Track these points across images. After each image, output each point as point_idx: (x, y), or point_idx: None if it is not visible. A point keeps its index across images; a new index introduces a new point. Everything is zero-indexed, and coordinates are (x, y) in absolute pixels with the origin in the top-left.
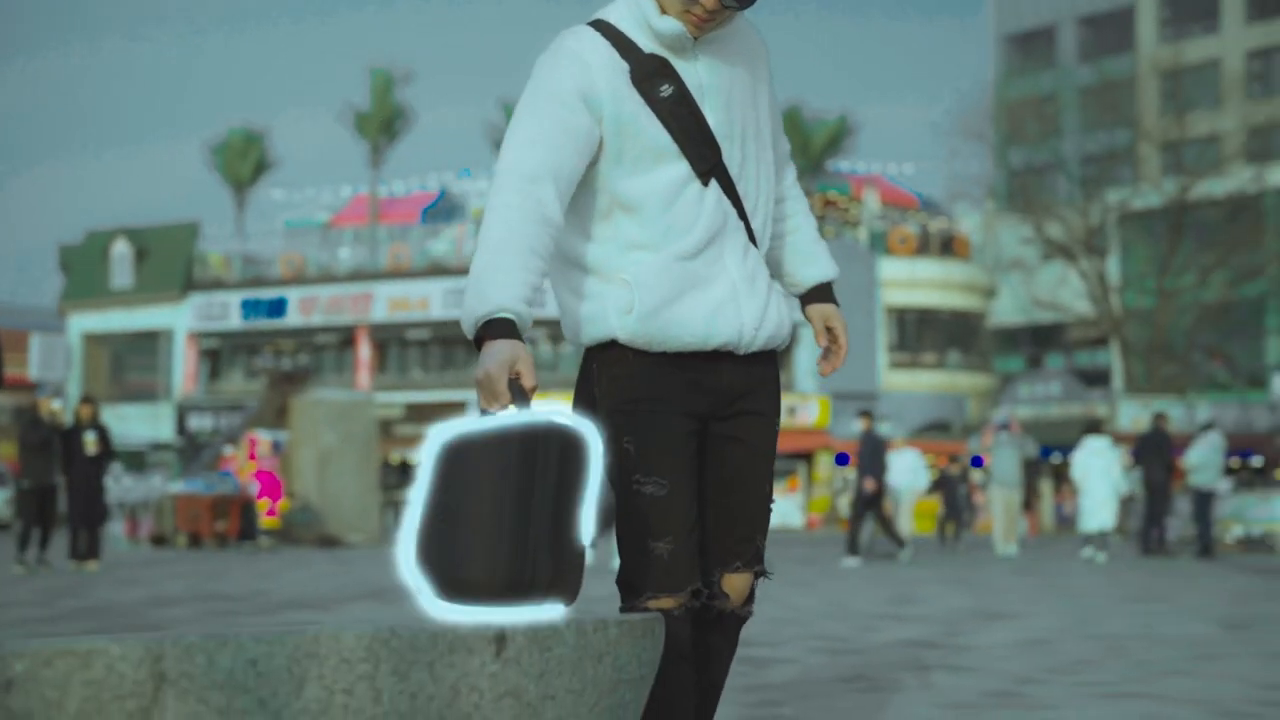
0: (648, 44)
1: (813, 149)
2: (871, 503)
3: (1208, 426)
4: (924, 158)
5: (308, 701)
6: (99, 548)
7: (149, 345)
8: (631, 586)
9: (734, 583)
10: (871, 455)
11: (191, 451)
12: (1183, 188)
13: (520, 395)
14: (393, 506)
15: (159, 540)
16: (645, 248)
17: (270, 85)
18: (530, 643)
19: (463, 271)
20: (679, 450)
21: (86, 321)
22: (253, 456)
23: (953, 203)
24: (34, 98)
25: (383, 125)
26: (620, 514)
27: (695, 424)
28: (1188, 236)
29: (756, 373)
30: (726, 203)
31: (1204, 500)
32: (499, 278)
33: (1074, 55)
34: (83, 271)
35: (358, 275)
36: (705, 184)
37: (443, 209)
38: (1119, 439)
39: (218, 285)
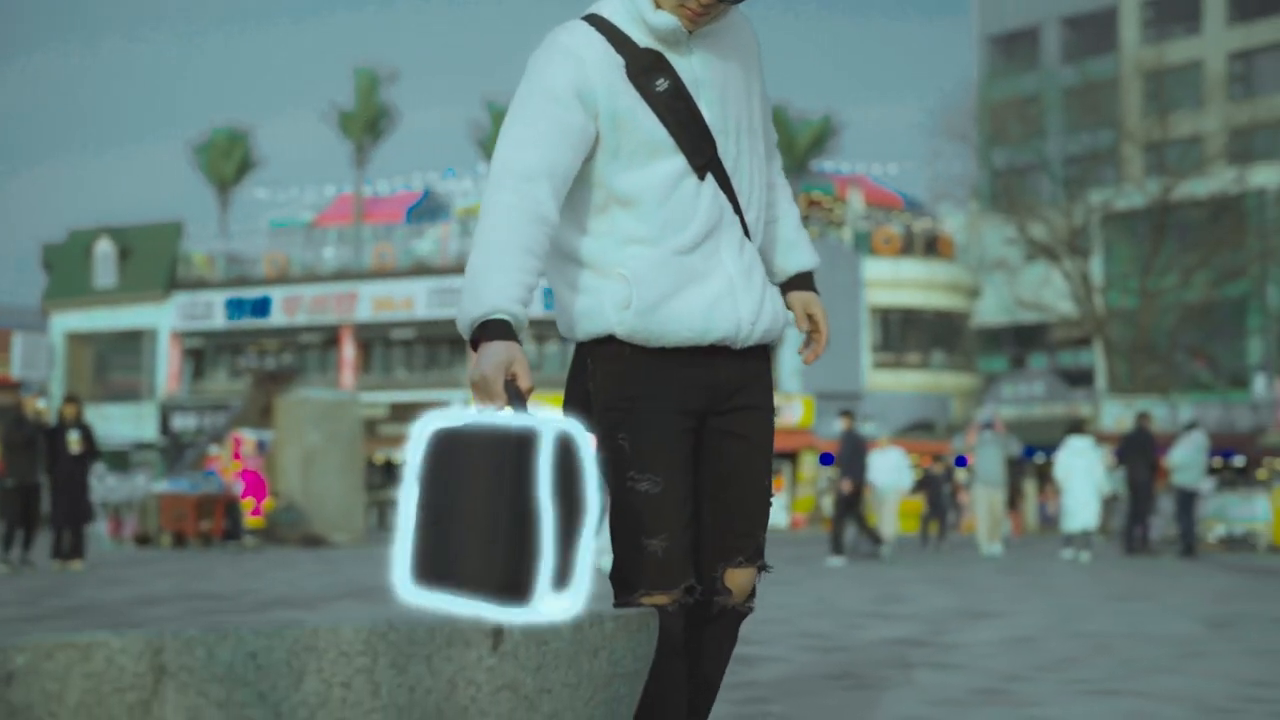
0: (642, 38)
1: (797, 149)
2: (849, 503)
3: (1191, 426)
4: (908, 158)
5: (306, 694)
6: (83, 547)
7: (132, 345)
8: (625, 583)
9: (737, 578)
10: (851, 455)
11: (175, 451)
12: (1165, 188)
13: (516, 397)
14: (377, 506)
15: (143, 540)
16: (642, 242)
17: (254, 85)
18: (527, 637)
19: (447, 271)
20: (674, 447)
21: (69, 321)
22: (237, 456)
23: (937, 203)
24: (17, 99)
25: (367, 125)
26: (614, 510)
27: (692, 421)
28: (1170, 237)
29: (752, 367)
30: (722, 197)
31: (1187, 499)
32: (494, 279)
33: (1057, 56)
34: (66, 270)
35: (342, 275)
36: (701, 178)
37: (427, 209)
38: (1102, 439)
39: (201, 285)
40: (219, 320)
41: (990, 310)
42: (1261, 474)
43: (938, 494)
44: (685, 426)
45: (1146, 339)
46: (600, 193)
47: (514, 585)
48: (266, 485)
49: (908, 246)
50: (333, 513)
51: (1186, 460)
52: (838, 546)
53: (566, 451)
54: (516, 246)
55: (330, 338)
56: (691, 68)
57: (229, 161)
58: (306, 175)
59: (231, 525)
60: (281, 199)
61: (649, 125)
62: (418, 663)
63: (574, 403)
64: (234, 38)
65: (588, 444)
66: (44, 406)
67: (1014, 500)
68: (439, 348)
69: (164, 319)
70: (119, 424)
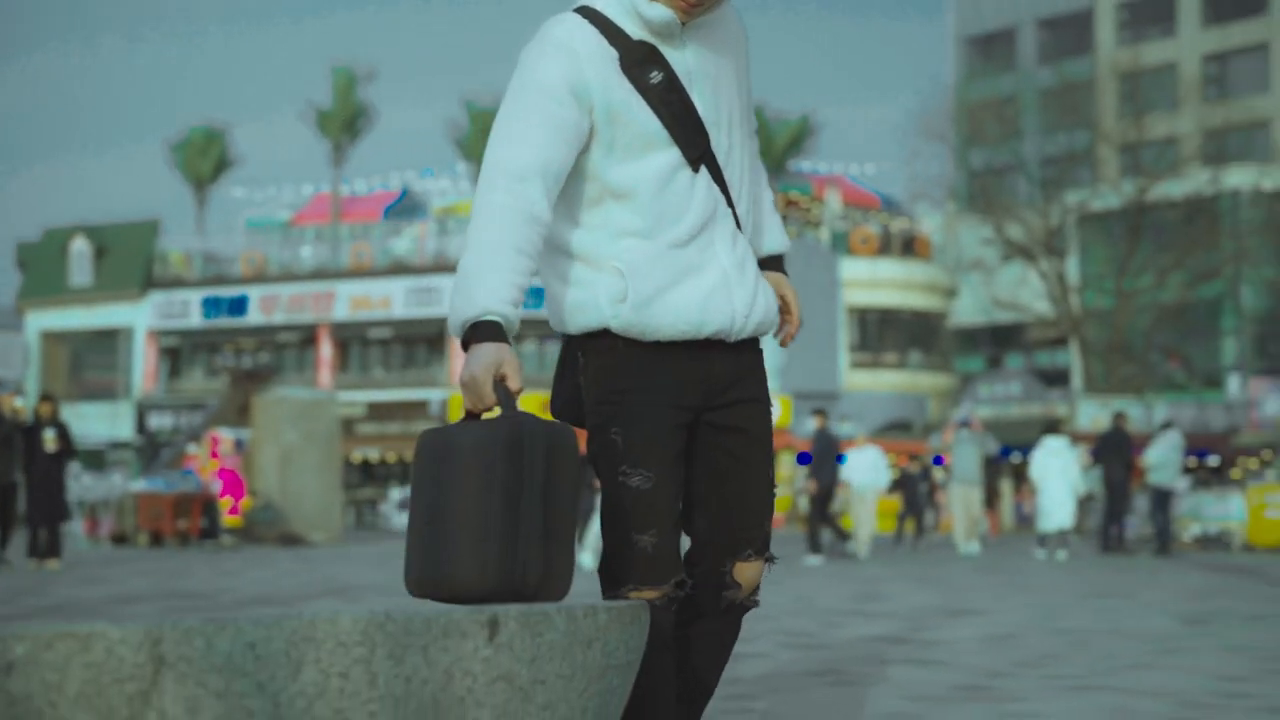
0: (635, 30)
1: (775, 149)
2: (821, 502)
3: (1167, 425)
4: (885, 158)
5: (304, 684)
6: (59, 546)
7: (108, 343)
8: (614, 577)
9: (745, 572)
10: (821, 455)
11: (151, 450)
12: (1141, 189)
13: (506, 398)
14: (354, 506)
15: (120, 539)
16: (637, 235)
17: (232, 84)
18: (522, 628)
19: (425, 271)
20: (667, 443)
21: (45, 319)
22: (215, 455)
23: (914, 203)
24: None
25: (345, 124)
26: (605, 505)
27: (687, 416)
28: (1145, 238)
29: (745, 360)
30: (716, 189)
31: (1162, 498)
32: (486, 280)
33: (1034, 57)
34: (41, 269)
35: (319, 274)
36: (695, 171)
37: (405, 208)
38: (1078, 438)
39: (178, 283)
40: (195, 319)
41: (967, 310)
42: (1236, 473)
43: (914, 493)
44: (679, 422)
45: (1122, 339)
46: (594, 186)
47: (506, 584)
48: (244, 484)
49: (885, 246)
50: (310, 512)
51: (1162, 459)
52: (815, 545)
53: (554, 451)
54: (508, 247)
55: (307, 337)
56: (685, 60)
57: (206, 160)
58: (284, 174)
59: (209, 524)
60: (259, 198)
61: (644, 118)
62: (414, 653)
63: (563, 396)
64: (212, 38)
65: (575, 444)
66: (21, 405)
67: (991, 499)
68: (416, 347)
69: (140, 318)
70: (94, 423)
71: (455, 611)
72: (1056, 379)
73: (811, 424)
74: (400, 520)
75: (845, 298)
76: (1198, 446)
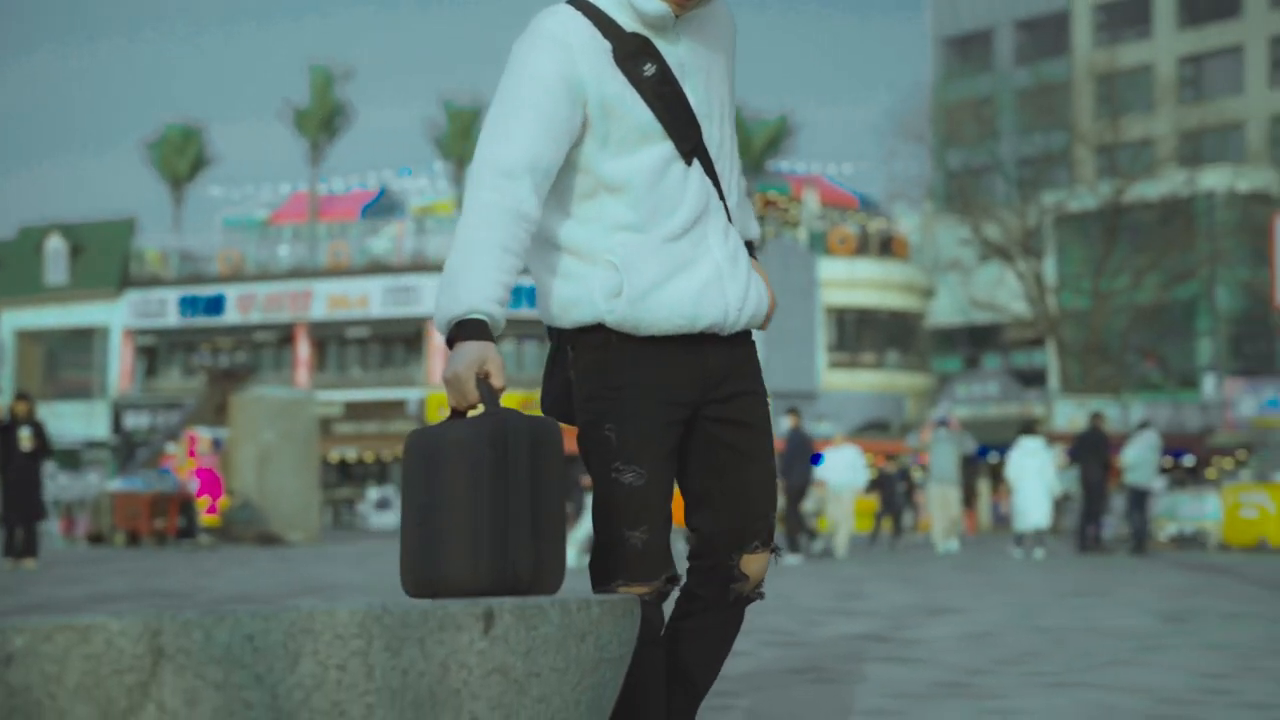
0: (629, 23)
1: (753, 149)
2: (793, 501)
3: (1144, 425)
4: (863, 158)
5: (302, 676)
6: (36, 545)
7: (84, 342)
8: (604, 572)
9: (752, 564)
10: (794, 454)
11: (127, 450)
12: (1117, 190)
13: (489, 395)
14: (332, 505)
15: (96, 538)
16: (631, 228)
17: (209, 82)
18: (517, 621)
19: (403, 270)
20: (661, 439)
21: (20, 318)
22: (192, 454)
23: (891, 203)
24: None
25: (322, 122)
26: (596, 501)
27: (682, 412)
28: (1122, 239)
29: (739, 352)
30: (708, 182)
31: (1139, 498)
32: (472, 278)
33: (1011, 58)
34: (16, 267)
35: (297, 273)
36: (688, 164)
37: (383, 207)
38: (1055, 438)
39: (155, 282)
40: (172, 318)
41: (944, 310)
42: (1211, 473)
43: (891, 493)
44: (673, 418)
45: (1098, 340)
46: (588, 179)
47: (499, 581)
48: (222, 483)
49: (863, 247)
50: (288, 511)
51: (1139, 459)
52: (793, 545)
53: (539, 446)
54: (495, 245)
55: (285, 336)
56: (678, 53)
57: (182, 158)
58: (261, 173)
59: (186, 524)
60: (236, 196)
61: (638, 111)
62: (411, 646)
63: (554, 393)
64: (189, 36)
65: (560, 438)
66: None
67: (968, 499)
68: (394, 346)
69: (116, 316)
70: (70, 422)
71: (451, 604)
72: (1033, 379)
73: (786, 423)
74: (378, 520)
75: (823, 298)
76: (1173, 446)
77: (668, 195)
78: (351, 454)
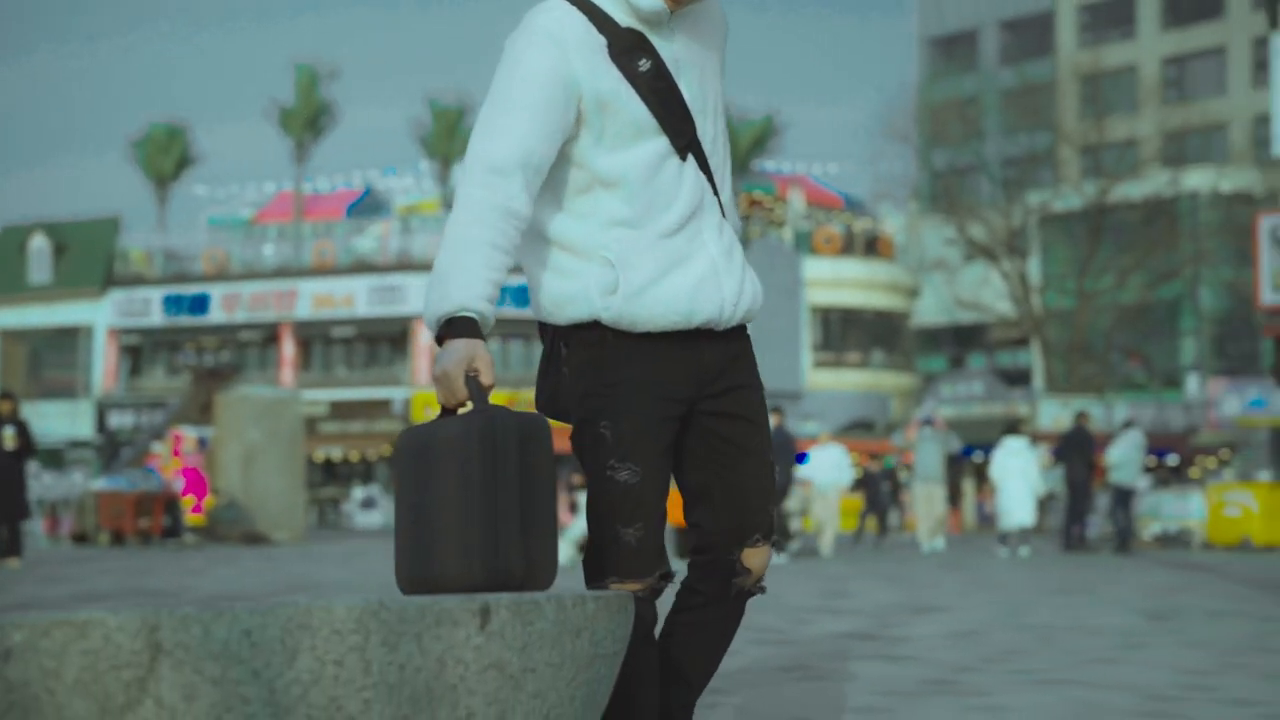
0: (624, 18)
1: (738, 149)
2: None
3: (1129, 424)
4: (849, 158)
5: (300, 672)
6: (19, 545)
7: (68, 342)
8: (598, 569)
9: (754, 558)
10: (777, 452)
11: (111, 449)
12: (1101, 190)
13: (478, 392)
14: (317, 505)
15: (80, 538)
16: (626, 224)
17: (194, 82)
18: (513, 616)
19: (388, 269)
20: (656, 436)
21: (3, 317)
22: (177, 453)
23: (877, 203)
24: None
25: (307, 121)
26: (591, 498)
27: (678, 408)
28: (1106, 239)
29: (734, 347)
30: (702, 178)
31: (1124, 497)
32: (462, 276)
33: (996, 59)
34: None
35: (282, 272)
36: (683, 159)
37: (368, 206)
38: (1039, 438)
39: (139, 281)
40: (157, 317)
41: (929, 310)
42: (1195, 472)
43: (876, 492)
44: (669, 414)
45: (1083, 339)
46: (583, 174)
47: (492, 578)
48: (207, 483)
49: (848, 246)
50: (273, 510)
51: (1124, 458)
52: (779, 544)
53: (528, 442)
54: (485, 243)
55: (270, 335)
56: (673, 49)
57: (167, 157)
58: (246, 172)
59: (172, 523)
60: (221, 195)
61: (633, 106)
62: (408, 641)
63: (548, 391)
64: (174, 35)
65: (548, 433)
66: None
67: (954, 498)
68: (379, 345)
69: (100, 316)
70: (54, 421)
71: (448, 600)
72: (1018, 379)
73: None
74: (363, 519)
75: (808, 297)
76: (1157, 446)
77: (663, 190)
78: (337, 453)
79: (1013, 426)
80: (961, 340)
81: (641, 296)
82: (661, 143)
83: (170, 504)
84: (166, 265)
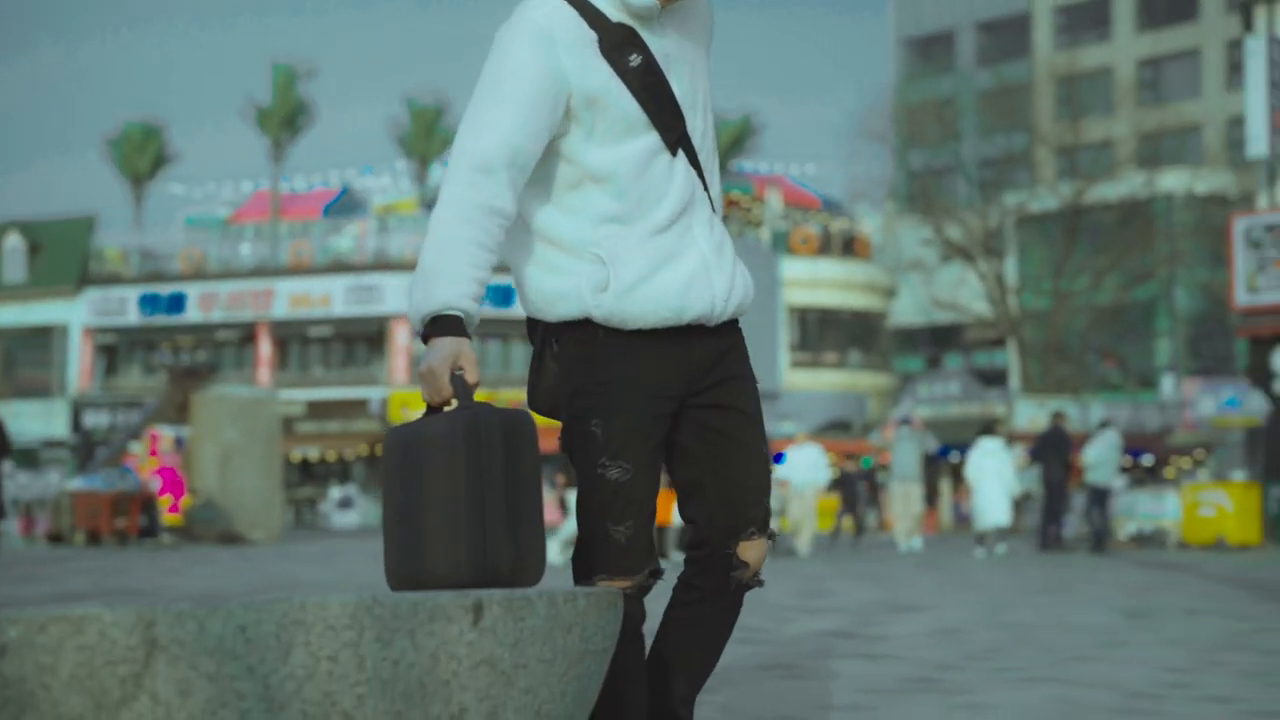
0: (614, 13)
1: (717, 149)
2: None
3: (1105, 425)
4: (826, 159)
5: (294, 667)
6: None
7: (42, 341)
8: (587, 566)
9: (751, 551)
10: None
11: (86, 449)
12: (1077, 192)
13: (463, 390)
14: (294, 505)
15: (56, 538)
16: (617, 220)
17: (170, 80)
18: (505, 612)
19: (365, 269)
20: (648, 433)
21: None
22: (154, 453)
23: (854, 204)
24: None
25: (284, 121)
26: (581, 495)
27: (669, 405)
28: (1082, 240)
29: (726, 340)
30: (693, 173)
31: (1100, 497)
32: (447, 274)
33: (972, 60)
34: None
35: (259, 271)
36: (673, 154)
37: (345, 205)
38: (1016, 438)
39: (115, 280)
40: (133, 316)
41: (906, 310)
42: (1170, 472)
43: (852, 492)
44: (660, 412)
45: (1059, 340)
46: (573, 170)
47: (480, 574)
48: (184, 482)
49: (825, 246)
50: (250, 510)
51: (1100, 458)
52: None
53: (512, 438)
54: (470, 241)
55: (247, 335)
56: (663, 44)
57: (143, 156)
58: (223, 171)
59: (149, 522)
60: (197, 195)
61: (623, 102)
62: (402, 637)
63: (540, 388)
64: (150, 34)
65: (533, 429)
66: None
67: (930, 498)
68: (356, 345)
69: (75, 314)
70: (28, 421)
71: (441, 596)
72: (994, 379)
73: None
74: (340, 519)
75: (785, 297)
76: (1133, 446)
77: (654, 186)
78: (314, 453)
79: (988, 427)
80: (938, 340)
81: (632, 294)
82: (652, 138)
83: (147, 504)
84: (142, 264)
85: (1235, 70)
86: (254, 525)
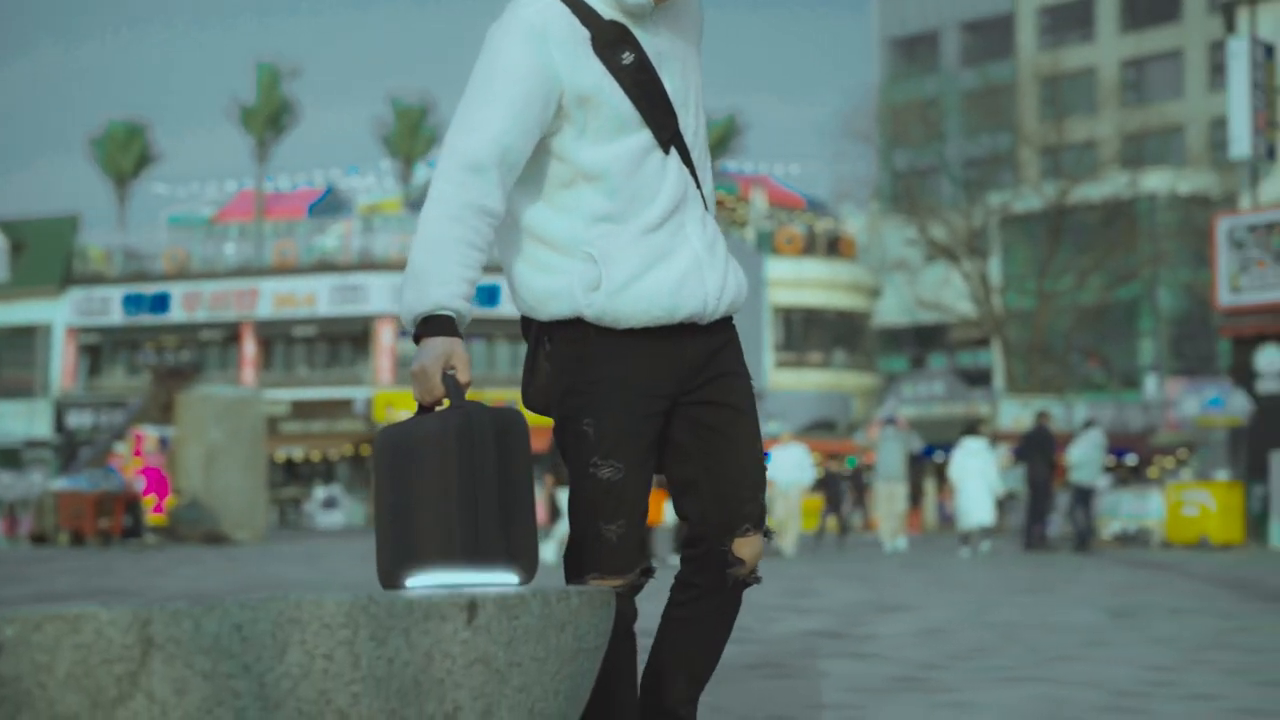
0: (607, 11)
1: None
2: None
3: (1089, 424)
4: (810, 159)
5: (290, 666)
6: None
7: (25, 340)
8: (578, 565)
9: (746, 548)
10: None
11: (69, 449)
12: (1061, 192)
13: (455, 389)
14: (278, 505)
15: (39, 538)
16: (610, 219)
17: (154, 80)
18: (499, 610)
19: (350, 268)
20: (640, 432)
21: None
22: (139, 453)
23: (838, 203)
24: None
25: (269, 120)
26: (573, 495)
27: (661, 404)
28: (1066, 240)
29: (718, 338)
30: (685, 171)
31: (1084, 496)
32: (439, 274)
33: (956, 60)
34: None
35: (243, 271)
36: (666, 152)
37: (329, 205)
38: (1000, 438)
39: (98, 280)
40: (116, 316)
41: (891, 310)
42: (1153, 472)
43: (836, 492)
44: (652, 410)
45: (1043, 340)
46: (566, 168)
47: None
48: (168, 482)
49: (810, 246)
50: (235, 510)
51: (1084, 458)
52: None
53: (504, 436)
54: (461, 241)
55: (231, 334)
56: (656, 42)
57: (127, 155)
58: (207, 170)
59: (133, 523)
60: (181, 194)
61: (616, 100)
62: (397, 635)
63: (533, 384)
64: (135, 33)
65: (525, 427)
66: None
67: (915, 497)
68: (341, 345)
69: (59, 314)
70: (11, 421)
71: (436, 595)
72: (979, 379)
73: None
74: (325, 519)
75: (770, 297)
76: (1116, 445)
77: (646, 184)
78: (298, 453)
79: (971, 427)
80: (923, 340)
81: (624, 293)
82: (644, 136)
83: (131, 504)
84: (126, 264)
85: (1218, 71)
86: (239, 525)
